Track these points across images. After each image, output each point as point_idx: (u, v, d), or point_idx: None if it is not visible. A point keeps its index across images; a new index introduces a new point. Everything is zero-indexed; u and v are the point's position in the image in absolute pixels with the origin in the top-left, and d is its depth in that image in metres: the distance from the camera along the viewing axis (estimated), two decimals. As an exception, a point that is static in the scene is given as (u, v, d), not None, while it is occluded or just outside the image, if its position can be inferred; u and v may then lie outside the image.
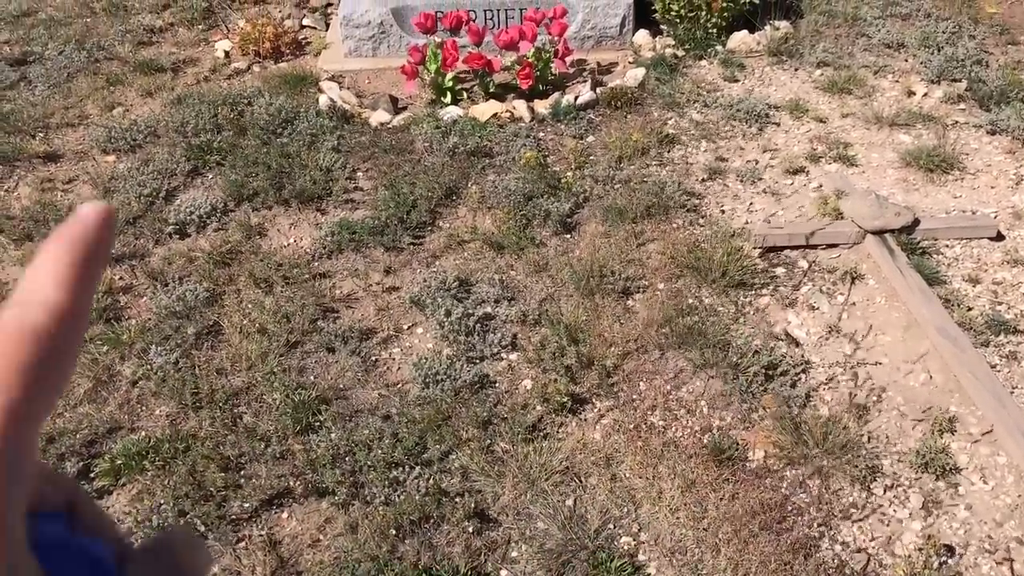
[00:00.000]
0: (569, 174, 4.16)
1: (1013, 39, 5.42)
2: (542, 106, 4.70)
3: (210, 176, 4.28)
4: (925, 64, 5.02)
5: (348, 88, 4.99)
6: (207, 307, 3.46)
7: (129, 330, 3.34)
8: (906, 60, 5.16)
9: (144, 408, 3.07)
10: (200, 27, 5.86)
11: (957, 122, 4.55)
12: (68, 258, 0.34)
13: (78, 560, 0.35)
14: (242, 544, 2.62)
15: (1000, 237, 3.76)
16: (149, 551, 0.39)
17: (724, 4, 5.14)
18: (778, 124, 4.57)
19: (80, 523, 0.37)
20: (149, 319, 3.44)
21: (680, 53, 5.20)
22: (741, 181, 4.13)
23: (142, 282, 3.64)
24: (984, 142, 4.39)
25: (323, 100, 4.76)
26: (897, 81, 4.94)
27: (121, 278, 3.67)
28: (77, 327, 0.33)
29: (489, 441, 2.89)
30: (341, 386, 3.12)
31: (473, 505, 2.68)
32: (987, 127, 4.47)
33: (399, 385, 3.14)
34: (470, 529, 2.62)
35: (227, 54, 5.45)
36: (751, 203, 4.00)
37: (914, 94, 4.79)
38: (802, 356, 3.22)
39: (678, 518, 2.65)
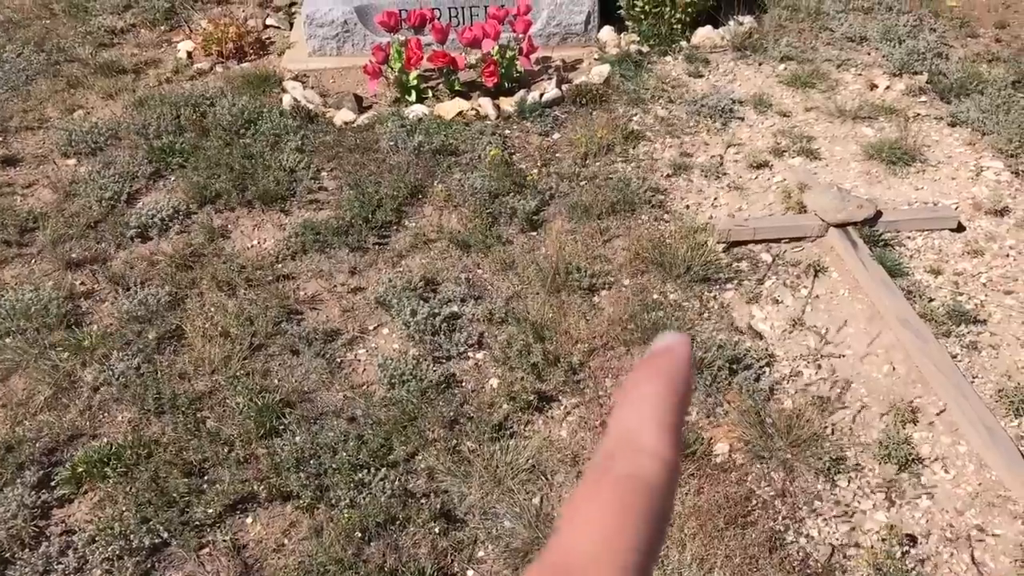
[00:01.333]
0: (535, 171, 4.16)
1: (972, 32, 5.48)
2: (507, 104, 4.69)
3: (172, 178, 4.24)
4: (887, 57, 5.07)
5: (312, 87, 4.95)
6: (169, 311, 3.42)
7: (90, 336, 3.30)
8: (868, 53, 5.20)
9: (106, 414, 3.04)
10: (162, 28, 5.79)
11: (919, 114, 4.59)
12: (668, 401, 0.34)
13: None
14: (206, 550, 2.60)
15: (961, 228, 3.79)
16: None
17: (688, 0, 5.15)
18: (742, 119, 4.59)
19: None
20: (111, 324, 3.40)
21: (645, 49, 5.21)
22: (706, 176, 4.14)
23: (103, 287, 3.59)
24: (945, 134, 4.43)
25: (287, 100, 4.72)
26: (860, 74, 4.97)
27: (82, 283, 3.62)
28: (678, 479, 0.33)
29: (455, 441, 2.88)
30: (305, 389, 3.10)
31: (439, 506, 2.67)
32: (948, 119, 4.51)
33: (364, 387, 3.12)
34: (436, 530, 2.62)
35: (190, 55, 5.39)
36: (715, 198, 4.02)
37: (876, 87, 4.83)
38: (766, 350, 3.23)
39: (644, 514, 2.65)
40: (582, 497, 0.31)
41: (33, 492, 2.73)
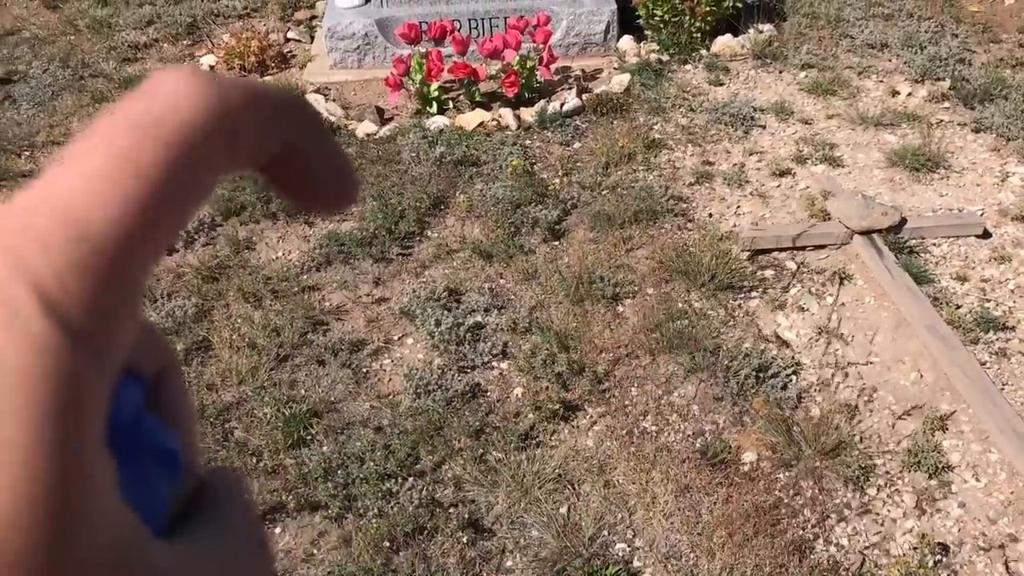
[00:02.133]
0: (556, 181, 4.17)
1: (995, 37, 5.45)
2: (528, 114, 4.71)
3: (197, 191, 4.27)
4: (908, 64, 5.05)
5: (334, 100, 4.99)
6: (196, 323, 3.45)
7: (118, 348, 3.32)
8: (889, 60, 5.18)
9: (134, 426, 3.05)
10: (185, 42, 5.86)
11: (942, 121, 4.57)
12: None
13: (145, 449, 0.25)
14: (235, 560, 2.60)
15: (987, 235, 3.77)
16: (217, 476, 0.29)
17: (708, 8, 5.16)
18: (764, 127, 4.58)
19: (162, 403, 0.27)
20: (138, 336, 3.42)
21: (665, 58, 5.21)
22: (728, 184, 4.14)
23: (130, 299, 3.62)
24: (969, 140, 4.41)
25: (309, 113, 4.75)
26: (881, 81, 4.96)
27: (109, 295, 3.65)
28: (224, 147, 0.23)
29: (482, 450, 2.88)
30: (332, 399, 3.11)
31: (467, 515, 2.67)
32: (971, 125, 4.49)
33: (390, 396, 3.13)
34: (464, 539, 2.61)
35: (212, 69, 5.44)
36: (738, 206, 4.01)
37: (898, 94, 4.82)
38: (792, 358, 3.22)
39: (672, 523, 2.65)
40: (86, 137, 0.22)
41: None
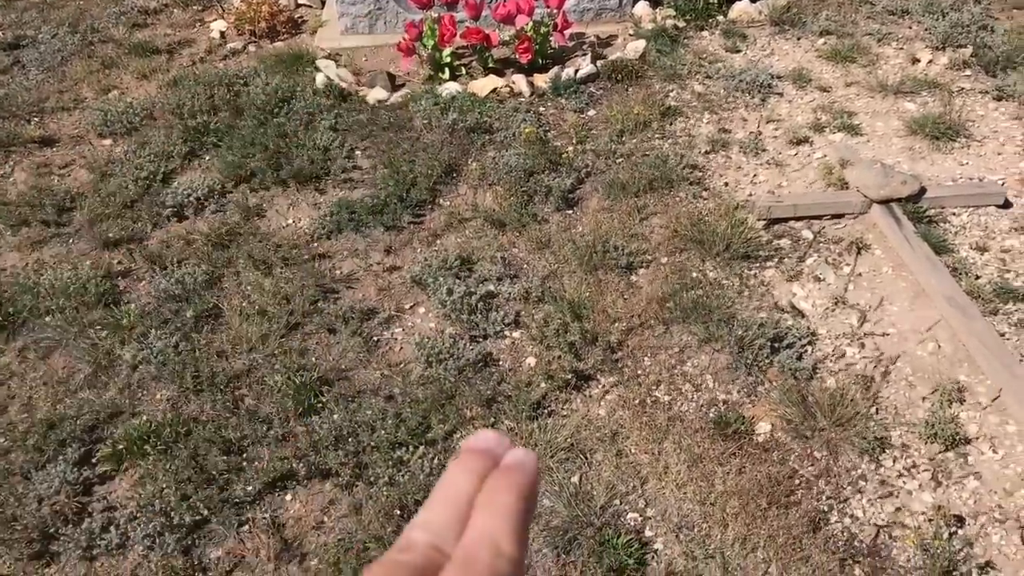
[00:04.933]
0: (570, 149, 4.11)
1: (1019, 3, 5.33)
2: (542, 80, 4.64)
3: (207, 158, 4.24)
4: (930, 30, 4.95)
5: (345, 66, 4.93)
6: (206, 290, 3.43)
7: (128, 314, 3.31)
8: (910, 27, 5.08)
9: (145, 392, 3.05)
10: (195, 8, 5.80)
11: (963, 89, 4.48)
12: (522, 513, 0.41)
13: None
14: (246, 527, 2.60)
15: (1008, 204, 3.71)
16: None
17: (725, -27, 5.07)
18: (781, 94, 4.51)
19: None
20: (148, 303, 3.41)
21: (681, 24, 5.13)
22: (744, 153, 4.07)
23: (140, 266, 3.61)
24: (990, 108, 4.33)
25: (320, 79, 4.70)
26: (901, 48, 4.87)
27: (120, 262, 3.63)
28: None
29: (493, 419, 2.86)
30: (343, 367, 3.09)
31: (478, 484, 2.65)
32: (993, 93, 4.40)
33: (401, 365, 3.11)
34: (475, 508, 2.59)
35: (222, 34, 5.39)
36: (755, 175, 3.95)
37: (919, 61, 4.73)
38: (808, 328, 3.18)
39: (685, 493, 2.62)
40: None
41: (75, 469, 2.75)
